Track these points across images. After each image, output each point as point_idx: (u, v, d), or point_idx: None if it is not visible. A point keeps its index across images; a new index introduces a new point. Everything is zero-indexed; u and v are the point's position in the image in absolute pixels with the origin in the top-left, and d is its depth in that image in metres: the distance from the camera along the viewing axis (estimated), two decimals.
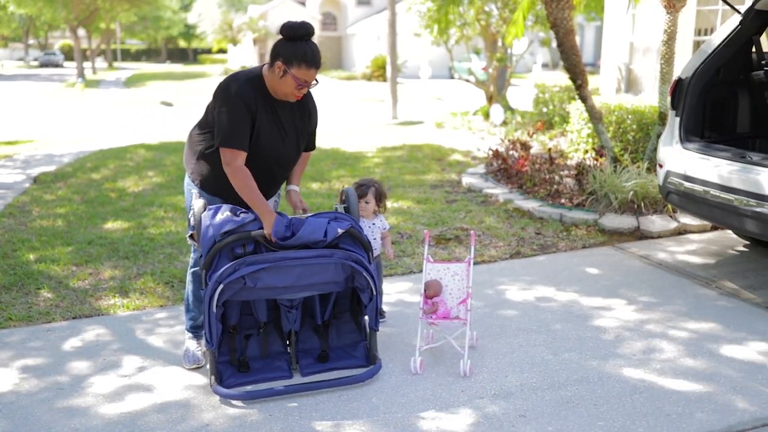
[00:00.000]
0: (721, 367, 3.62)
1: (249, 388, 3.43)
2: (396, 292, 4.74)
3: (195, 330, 3.83)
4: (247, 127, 3.35)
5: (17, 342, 4.09)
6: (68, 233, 6.25)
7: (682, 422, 3.11)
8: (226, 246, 3.31)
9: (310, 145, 3.77)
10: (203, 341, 3.66)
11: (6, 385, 3.55)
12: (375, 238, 4.06)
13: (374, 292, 3.49)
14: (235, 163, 3.35)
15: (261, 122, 3.38)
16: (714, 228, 6.02)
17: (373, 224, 4.07)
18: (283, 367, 3.57)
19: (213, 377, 3.40)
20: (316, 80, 3.39)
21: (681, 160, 4.84)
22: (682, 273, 5.03)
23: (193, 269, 3.74)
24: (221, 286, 3.25)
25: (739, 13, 4.94)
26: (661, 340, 3.97)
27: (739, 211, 4.31)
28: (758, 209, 4.18)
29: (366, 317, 3.65)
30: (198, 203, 3.49)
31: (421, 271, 5.15)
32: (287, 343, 3.67)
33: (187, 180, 3.73)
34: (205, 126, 3.56)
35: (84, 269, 5.31)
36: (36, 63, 58.23)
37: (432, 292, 3.78)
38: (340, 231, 3.41)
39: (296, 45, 3.29)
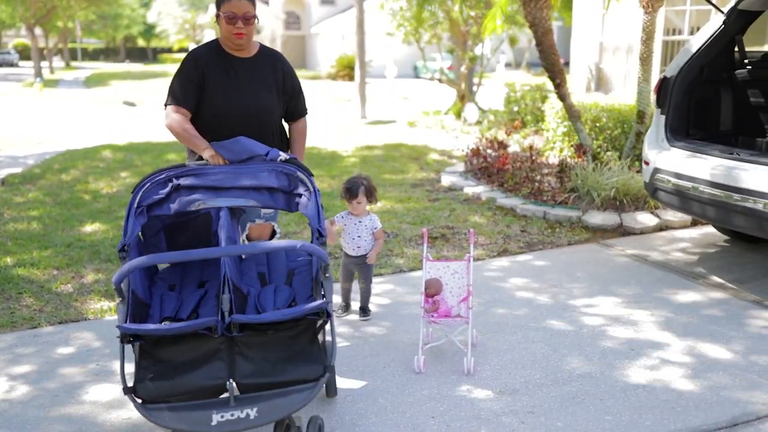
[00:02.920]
0: (718, 360, 3.69)
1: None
2: (388, 292, 4.72)
3: None
4: (188, 83, 3.44)
5: (4, 348, 3.96)
6: (45, 236, 6.08)
7: (688, 414, 3.16)
8: (159, 173, 3.04)
9: (300, 110, 3.76)
10: None
11: None
12: (360, 236, 4.03)
13: (313, 192, 3.04)
14: (170, 116, 3.41)
15: (215, 77, 3.48)
16: (694, 224, 6.13)
17: (360, 222, 4.04)
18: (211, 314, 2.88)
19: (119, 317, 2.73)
20: (256, 17, 3.48)
21: (668, 157, 4.92)
22: (669, 268, 5.11)
23: None
24: (147, 185, 2.98)
25: (723, 12, 5.04)
26: (656, 334, 4.02)
27: (728, 207, 4.39)
28: (746, 204, 4.27)
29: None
30: None
31: (411, 269, 5.15)
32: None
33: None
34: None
35: (66, 273, 5.17)
36: None
37: (433, 290, 3.76)
38: (283, 156, 3.09)
39: None
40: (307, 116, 3.85)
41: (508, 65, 40.63)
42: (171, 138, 12.32)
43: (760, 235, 4.43)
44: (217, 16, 3.48)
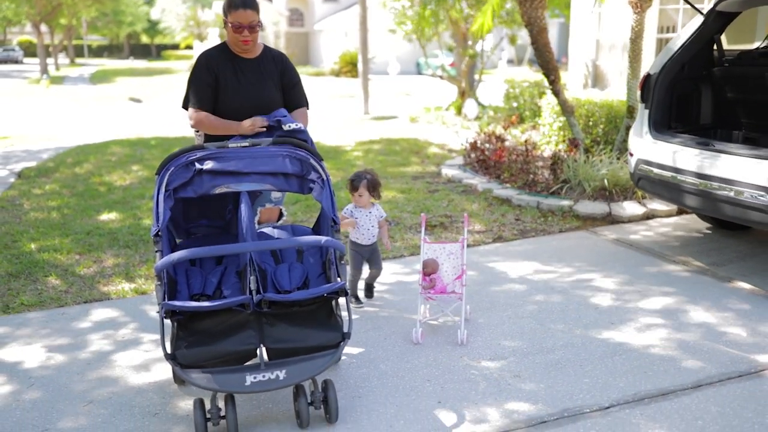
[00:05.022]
0: (689, 332, 4.04)
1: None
2: (390, 273, 5.07)
3: None
4: (206, 87, 3.83)
5: (35, 324, 4.32)
6: (65, 225, 6.45)
7: (657, 377, 3.51)
8: (182, 156, 3.25)
9: (298, 100, 4.05)
10: None
11: (35, 362, 3.80)
12: (373, 226, 4.39)
13: (325, 180, 3.33)
14: (195, 117, 3.82)
15: (226, 77, 3.85)
16: (680, 213, 6.48)
17: (370, 213, 4.39)
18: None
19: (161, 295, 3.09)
20: (261, 24, 3.84)
21: (651, 149, 5.27)
22: (652, 252, 5.46)
23: None
24: (172, 168, 3.19)
25: (702, 14, 5.38)
26: (635, 309, 4.37)
27: (705, 194, 4.74)
28: (720, 192, 4.62)
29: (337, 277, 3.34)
30: None
31: (411, 254, 5.51)
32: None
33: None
34: None
35: (87, 257, 5.53)
36: None
37: (430, 269, 4.12)
38: (291, 125, 3.57)
39: None
40: (308, 110, 4.16)
41: (510, 62, 40.89)
42: (178, 133, 12.75)
43: (733, 220, 4.78)
44: (224, 22, 3.85)
